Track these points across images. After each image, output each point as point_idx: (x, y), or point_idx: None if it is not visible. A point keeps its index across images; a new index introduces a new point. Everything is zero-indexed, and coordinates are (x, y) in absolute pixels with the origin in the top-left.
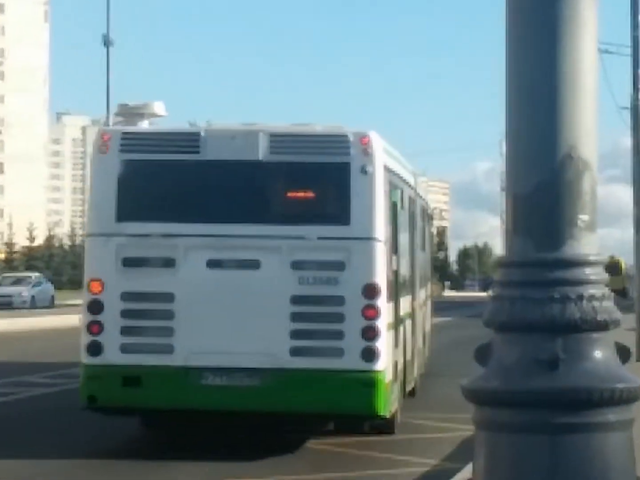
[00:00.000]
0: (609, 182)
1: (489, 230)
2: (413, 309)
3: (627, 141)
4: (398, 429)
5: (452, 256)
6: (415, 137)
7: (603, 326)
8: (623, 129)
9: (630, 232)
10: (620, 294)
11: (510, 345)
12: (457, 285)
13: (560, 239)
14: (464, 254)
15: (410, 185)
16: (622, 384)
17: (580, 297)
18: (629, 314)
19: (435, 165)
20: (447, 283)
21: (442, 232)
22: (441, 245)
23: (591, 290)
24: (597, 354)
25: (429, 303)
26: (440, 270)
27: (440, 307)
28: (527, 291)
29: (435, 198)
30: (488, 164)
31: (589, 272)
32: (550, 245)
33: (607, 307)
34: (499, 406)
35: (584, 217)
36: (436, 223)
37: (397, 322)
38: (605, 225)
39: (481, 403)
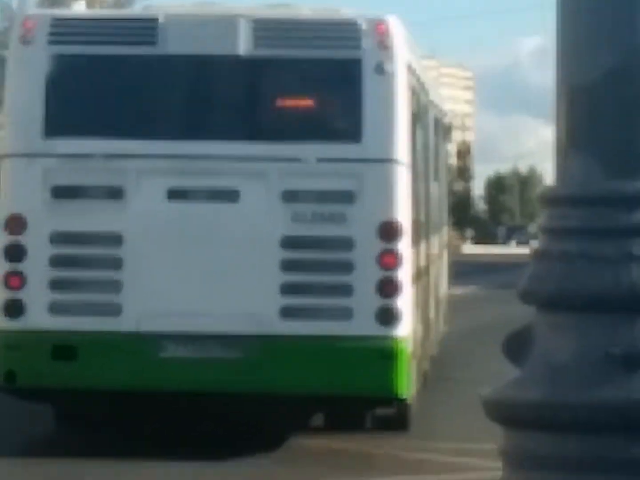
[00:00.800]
0: None
1: (538, 147)
2: (429, 263)
3: None
4: (387, 470)
5: (478, 188)
6: None
7: None
8: None
9: None
10: None
11: (563, 332)
12: (485, 236)
13: None
14: (498, 186)
15: (425, 86)
16: None
17: None
18: None
19: (452, 42)
20: (470, 232)
21: (465, 150)
22: (464, 172)
23: None
24: None
25: (444, 258)
26: (458, 212)
27: (459, 270)
28: (591, 244)
29: (452, 95)
30: (536, 39)
31: None
32: (627, 170)
33: None
34: (543, 429)
35: None
36: (456, 136)
37: (419, 276)
38: None
39: (514, 424)
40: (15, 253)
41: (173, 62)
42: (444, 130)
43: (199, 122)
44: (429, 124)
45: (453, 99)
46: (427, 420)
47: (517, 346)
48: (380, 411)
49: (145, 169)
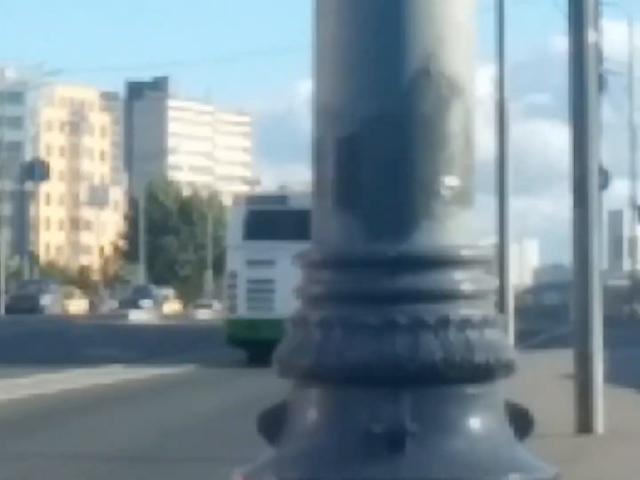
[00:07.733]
0: (528, 115)
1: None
2: None
3: (559, 42)
4: None
5: None
6: (208, 36)
7: (485, 374)
8: (553, 19)
9: (563, 203)
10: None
11: (321, 408)
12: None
13: (409, 220)
14: None
15: None
16: (518, 475)
17: (445, 322)
18: (561, 348)
19: (232, 87)
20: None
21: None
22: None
23: (464, 310)
24: (474, 423)
25: None
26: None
27: None
28: (351, 312)
29: (227, 143)
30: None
31: (462, 278)
32: (392, 230)
33: (493, 339)
34: None
35: (451, 181)
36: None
37: None
38: (523, 191)
39: None
40: (235, 286)
41: (292, 210)
42: None
43: (297, 233)
44: None
45: (228, 146)
46: None
47: (272, 424)
48: None
49: (285, 252)
